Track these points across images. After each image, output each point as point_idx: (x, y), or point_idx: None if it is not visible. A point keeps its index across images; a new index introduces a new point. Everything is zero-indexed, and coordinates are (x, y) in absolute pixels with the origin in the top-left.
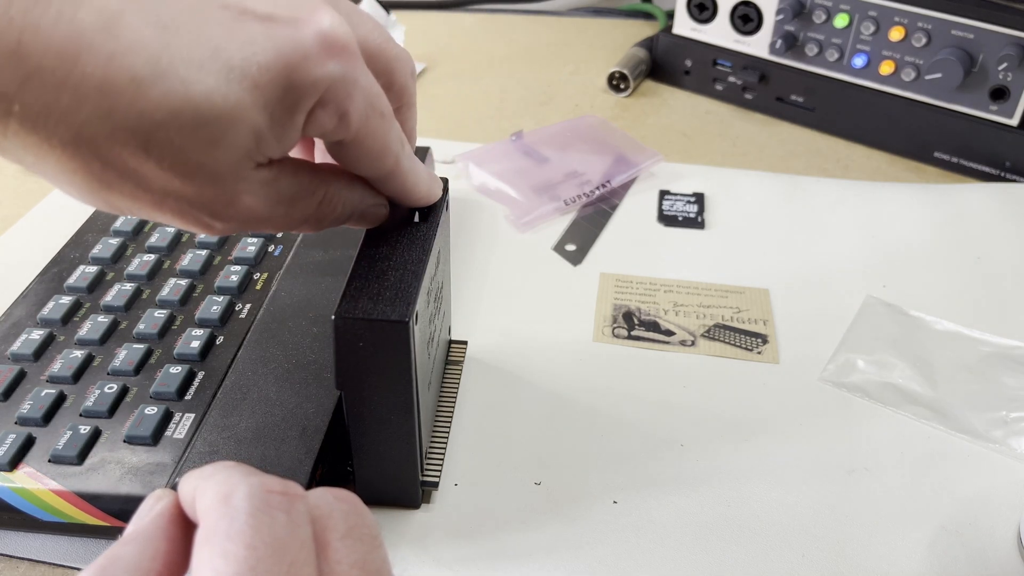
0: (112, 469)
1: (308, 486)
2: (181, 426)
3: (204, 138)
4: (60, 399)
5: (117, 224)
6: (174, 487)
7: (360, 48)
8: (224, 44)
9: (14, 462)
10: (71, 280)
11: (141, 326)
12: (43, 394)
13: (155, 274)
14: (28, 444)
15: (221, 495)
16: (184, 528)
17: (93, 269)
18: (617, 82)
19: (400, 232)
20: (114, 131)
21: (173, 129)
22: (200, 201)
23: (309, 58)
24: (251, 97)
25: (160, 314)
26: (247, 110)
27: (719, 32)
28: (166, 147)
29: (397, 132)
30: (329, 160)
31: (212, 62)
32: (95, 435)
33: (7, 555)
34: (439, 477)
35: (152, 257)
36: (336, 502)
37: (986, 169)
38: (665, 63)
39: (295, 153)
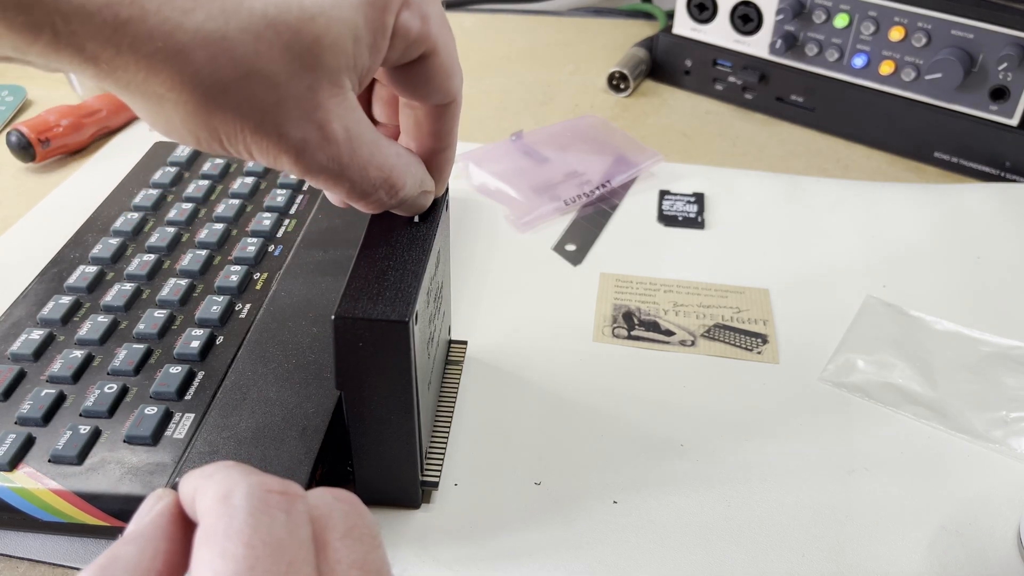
0: (112, 469)
1: (308, 486)
2: (181, 426)
3: (310, 36)
4: (60, 399)
5: (117, 224)
6: (174, 487)
7: None
8: None
9: (14, 462)
10: (71, 280)
11: (141, 326)
12: (43, 394)
13: (155, 274)
14: (28, 444)
15: (221, 494)
16: (184, 528)
17: (93, 269)
18: (617, 82)
19: (400, 232)
20: (229, 31)
21: (282, 26)
22: (296, 114)
23: None
24: None
25: (160, 314)
26: (346, 8)
27: (719, 32)
28: (275, 45)
29: (460, 67)
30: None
31: None
32: (95, 435)
33: (7, 555)
34: (439, 477)
35: (152, 257)
36: (335, 502)
37: (986, 169)
38: (665, 63)
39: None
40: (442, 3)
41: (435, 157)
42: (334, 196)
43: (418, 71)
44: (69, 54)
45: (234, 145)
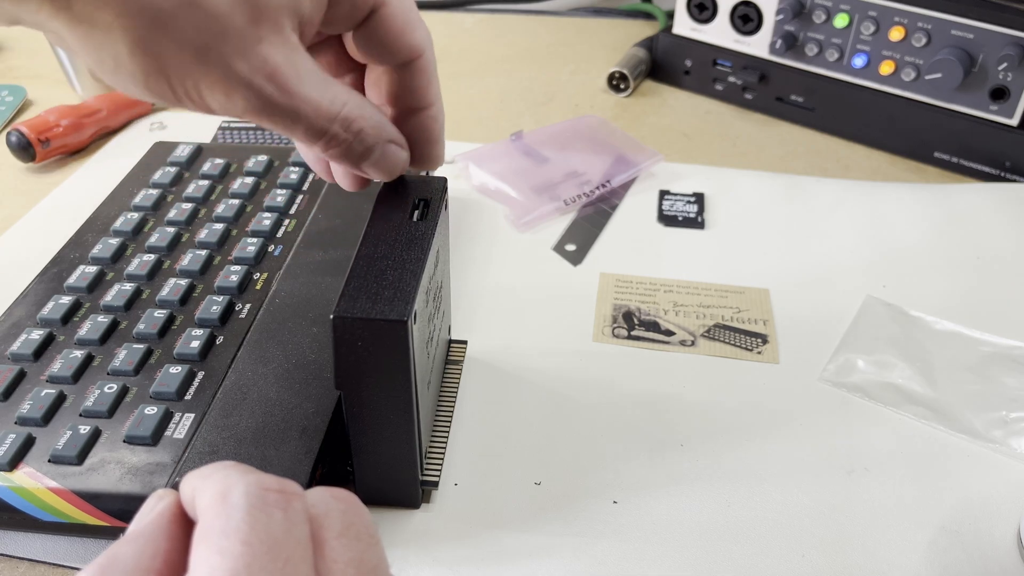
0: (112, 469)
1: (308, 486)
2: (181, 426)
3: None
4: (60, 399)
5: (117, 224)
6: (175, 487)
7: None
8: None
9: (14, 462)
10: (71, 280)
11: (141, 326)
12: (43, 394)
13: (155, 274)
14: (28, 444)
15: (219, 493)
16: (185, 527)
17: (93, 269)
18: (617, 82)
19: (399, 232)
20: None
21: None
22: (240, 46)
23: None
24: None
25: (160, 314)
26: None
27: (719, 32)
28: None
29: (423, 22)
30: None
31: None
32: (95, 435)
33: (7, 555)
34: (439, 477)
35: (152, 257)
36: (333, 501)
37: (986, 169)
38: (665, 63)
39: None
40: (430, 5)
41: (418, 117)
42: (305, 151)
43: (374, 29)
44: None
45: (182, 83)
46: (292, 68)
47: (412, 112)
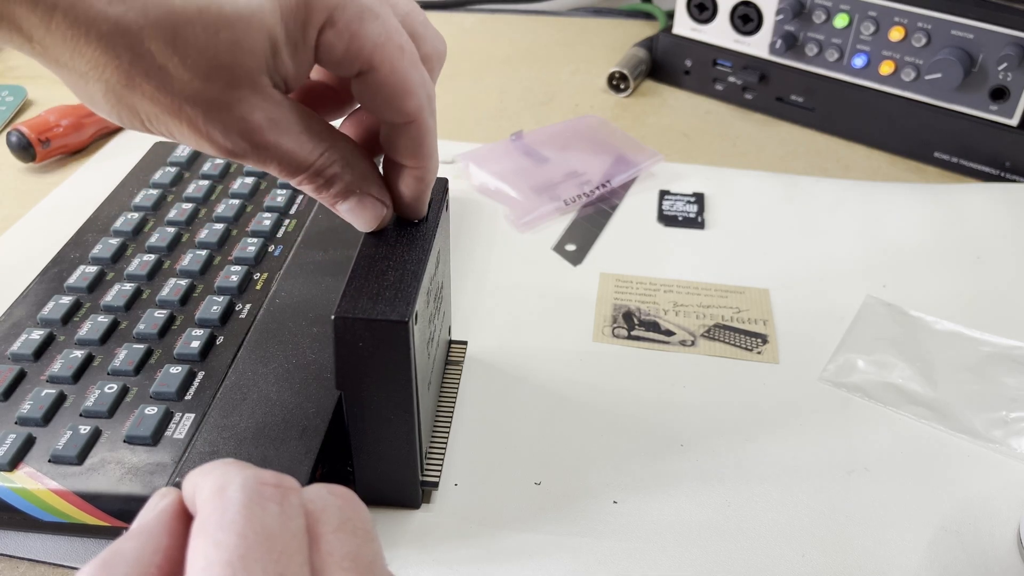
0: (112, 469)
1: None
2: (181, 426)
3: (226, 39)
4: (60, 399)
5: (117, 224)
6: (177, 486)
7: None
8: None
9: (14, 462)
10: (71, 280)
11: (141, 326)
12: (43, 394)
13: (155, 274)
14: (28, 444)
15: (217, 487)
16: (186, 524)
17: (93, 269)
18: (617, 82)
19: (400, 232)
20: (147, 24)
21: (199, 26)
22: (215, 107)
23: None
24: (269, 5)
25: (160, 314)
26: (266, 17)
27: (719, 32)
28: (191, 43)
29: (423, 77)
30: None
31: None
32: (95, 435)
33: (7, 555)
34: (439, 477)
35: (152, 257)
36: (331, 496)
37: (986, 169)
38: (665, 63)
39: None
40: (430, 5)
41: (403, 170)
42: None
43: (362, 87)
44: (7, 30)
45: (155, 128)
46: (271, 123)
47: (397, 164)
